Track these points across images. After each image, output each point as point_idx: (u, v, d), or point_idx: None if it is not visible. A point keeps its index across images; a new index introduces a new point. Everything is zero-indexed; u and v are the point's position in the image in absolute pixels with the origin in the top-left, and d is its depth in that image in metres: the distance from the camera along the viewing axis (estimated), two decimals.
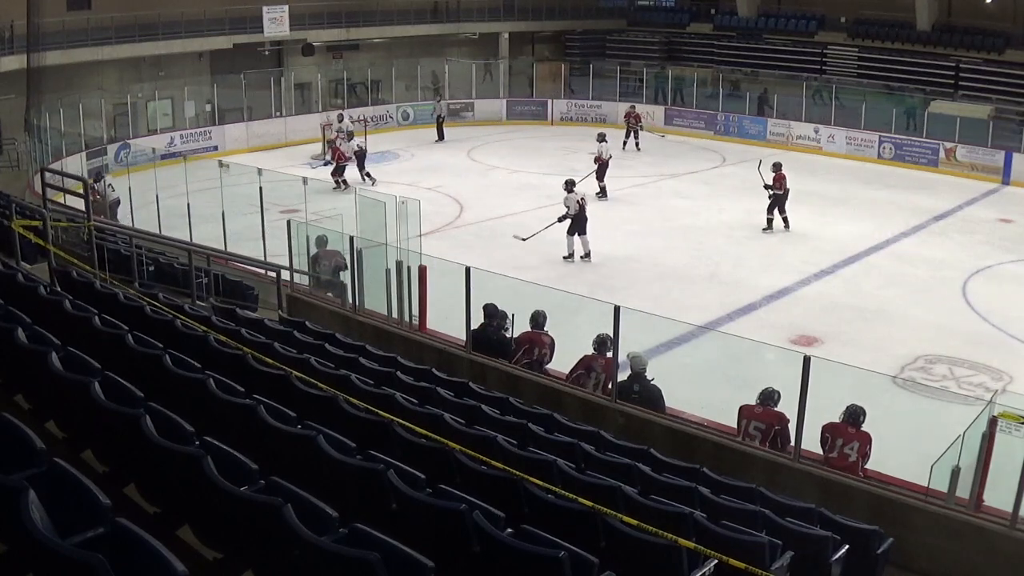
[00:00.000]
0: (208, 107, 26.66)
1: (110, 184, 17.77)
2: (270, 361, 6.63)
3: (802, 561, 5.00)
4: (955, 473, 6.46)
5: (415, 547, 3.49)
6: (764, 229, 18.51)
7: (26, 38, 22.69)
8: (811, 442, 7.34)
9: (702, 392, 10.19)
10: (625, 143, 26.98)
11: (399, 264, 10.34)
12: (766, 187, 18.38)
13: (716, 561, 4.42)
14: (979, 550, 6.28)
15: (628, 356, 8.46)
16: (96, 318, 6.31)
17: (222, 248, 13.96)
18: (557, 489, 4.96)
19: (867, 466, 7.33)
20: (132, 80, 26.49)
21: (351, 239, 10.81)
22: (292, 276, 11.83)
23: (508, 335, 9.69)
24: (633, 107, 27.87)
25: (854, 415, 7.37)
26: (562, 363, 9.16)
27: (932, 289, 15.33)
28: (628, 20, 38.51)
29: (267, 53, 29.97)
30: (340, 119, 24.71)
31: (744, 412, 7.85)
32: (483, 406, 6.92)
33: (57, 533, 2.98)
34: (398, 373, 7.53)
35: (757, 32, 34.99)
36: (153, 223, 15.65)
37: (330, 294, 11.72)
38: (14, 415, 3.78)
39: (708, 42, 35.64)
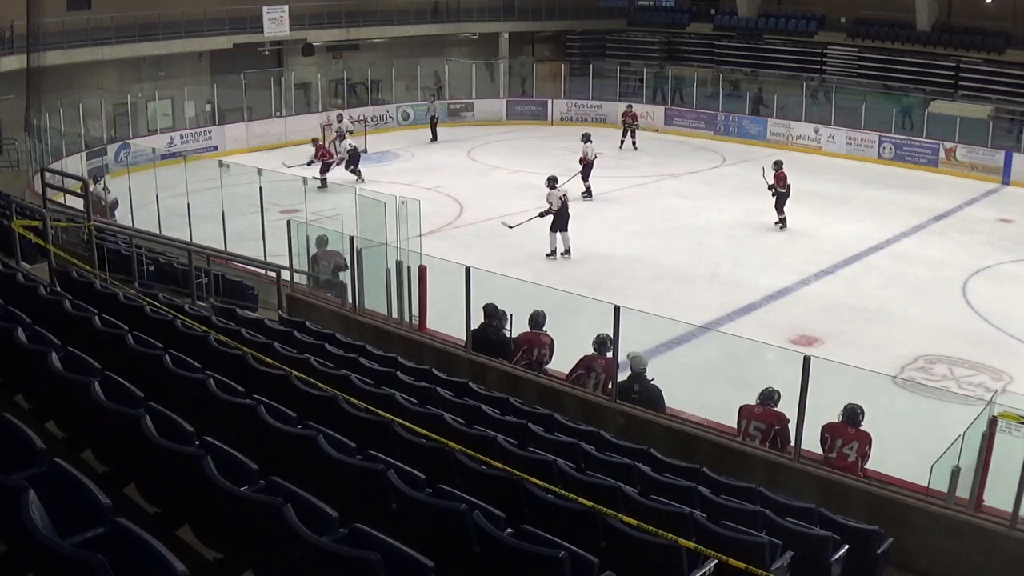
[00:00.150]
0: (208, 107, 26.67)
1: (106, 186, 17.78)
2: (270, 361, 6.63)
3: (802, 561, 5.00)
4: (955, 473, 6.46)
5: (415, 547, 3.49)
6: (780, 227, 18.60)
7: (26, 38, 22.68)
8: (811, 442, 7.34)
9: (702, 392, 10.19)
10: (622, 143, 27.05)
11: (399, 264, 10.34)
12: (770, 187, 18.50)
13: (716, 561, 4.42)
14: (979, 550, 6.28)
15: (628, 356, 8.46)
16: (96, 318, 6.31)
17: (222, 248, 13.96)
18: (557, 489, 4.96)
19: (867, 466, 7.32)
20: (132, 80, 26.49)
21: (351, 239, 10.82)
22: (292, 276, 11.84)
23: (508, 335, 9.69)
24: (630, 106, 27.93)
25: (852, 414, 7.37)
26: (562, 363, 9.16)
27: (932, 289, 15.33)
28: (628, 20, 38.50)
29: (267, 53, 29.97)
30: (340, 119, 24.77)
31: (744, 412, 7.85)
32: (483, 406, 6.92)
33: (57, 533, 2.98)
34: (398, 373, 7.53)
35: (757, 32, 34.98)
36: (153, 223, 15.65)
37: (330, 294, 11.71)
38: (14, 415, 3.78)
39: (708, 42, 35.62)
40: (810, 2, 34.26)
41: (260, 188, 13.75)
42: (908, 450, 8.03)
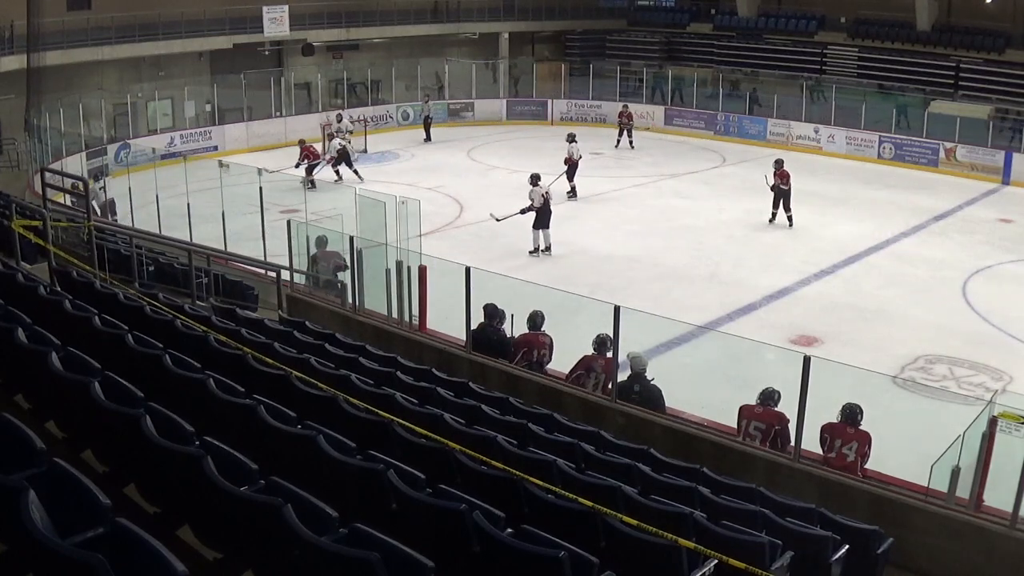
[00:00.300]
0: (208, 107, 26.67)
1: (102, 187, 17.77)
2: (270, 361, 6.63)
3: (802, 561, 5.00)
4: (955, 473, 6.45)
5: (415, 547, 3.49)
6: (789, 224, 18.69)
7: (26, 38, 22.69)
8: (811, 442, 7.33)
9: (702, 392, 10.19)
10: (618, 142, 27.11)
11: (399, 264, 10.34)
12: (773, 187, 18.57)
13: (716, 561, 4.42)
14: (979, 550, 6.28)
15: (628, 356, 8.46)
16: (96, 318, 6.31)
17: (222, 248, 13.96)
18: (557, 489, 4.96)
19: (867, 466, 7.32)
20: (132, 80, 26.50)
21: (351, 239, 10.82)
22: (292, 276, 11.84)
23: (508, 335, 9.69)
24: (626, 106, 28.00)
25: (851, 414, 7.36)
26: (562, 363, 9.15)
27: (932, 289, 15.33)
28: (628, 20, 38.51)
29: (267, 53, 29.98)
30: (339, 119, 24.77)
31: (744, 412, 7.85)
32: (483, 406, 6.92)
33: (57, 533, 2.98)
34: (398, 373, 7.53)
35: (757, 32, 34.98)
36: (153, 223, 15.65)
37: (330, 295, 11.71)
38: (14, 415, 3.78)
39: (708, 42, 35.63)
40: (810, 2, 34.27)
41: (260, 188, 13.75)
42: (908, 450, 8.02)
